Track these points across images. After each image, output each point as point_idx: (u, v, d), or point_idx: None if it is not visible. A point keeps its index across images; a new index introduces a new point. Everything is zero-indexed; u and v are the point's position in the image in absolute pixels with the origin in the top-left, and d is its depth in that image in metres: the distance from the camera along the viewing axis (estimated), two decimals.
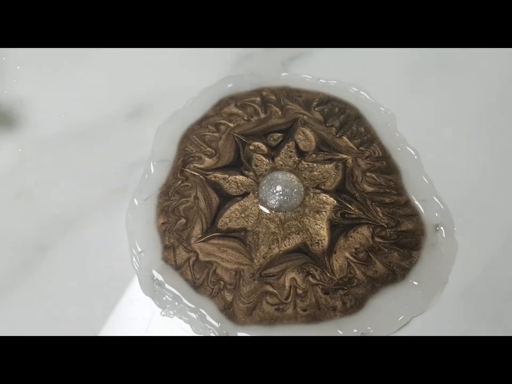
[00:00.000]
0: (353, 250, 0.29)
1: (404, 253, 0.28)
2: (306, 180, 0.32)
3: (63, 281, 0.29)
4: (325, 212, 0.30)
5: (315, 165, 0.32)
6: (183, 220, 0.30)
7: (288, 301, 0.27)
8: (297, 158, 0.32)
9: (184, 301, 0.27)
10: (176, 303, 0.27)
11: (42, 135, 0.35)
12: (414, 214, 0.30)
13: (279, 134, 0.34)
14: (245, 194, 0.31)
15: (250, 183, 0.32)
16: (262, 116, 0.35)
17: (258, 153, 0.33)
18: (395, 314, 0.26)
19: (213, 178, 0.32)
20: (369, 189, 0.31)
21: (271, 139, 0.34)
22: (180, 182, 0.32)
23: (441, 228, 0.29)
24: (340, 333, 0.26)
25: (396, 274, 0.28)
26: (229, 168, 0.32)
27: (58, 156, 0.34)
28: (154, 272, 0.28)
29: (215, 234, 0.29)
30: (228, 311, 0.27)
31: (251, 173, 0.32)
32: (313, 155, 0.33)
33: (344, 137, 0.33)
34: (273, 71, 0.37)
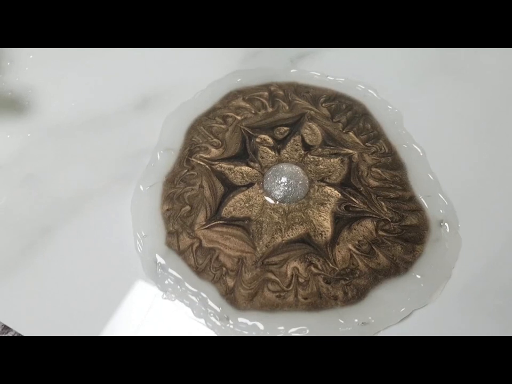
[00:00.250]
0: (357, 242, 0.30)
1: (407, 247, 0.29)
2: (312, 173, 0.33)
3: (67, 263, 0.30)
4: (329, 204, 0.31)
5: (321, 158, 0.33)
6: (187, 207, 0.31)
7: (290, 288, 0.28)
8: (303, 152, 0.34)
9: (186, 284, 0.28)
10: (178, 287, 0.28)
11: (51, 122, 0.37)
12: (418, 209, 0.31)
13: (285, 128, 0.35)
14: (250, 185, 0.32)
15: (256, 174, 0.33)
16: (270, 109, 0.36)
17: (265, 146, 0.34)
18: (397, 306, 0.27)
19: (218, 168, 0.33)
20: (375, 183, 0.32)
21: (278, 132, 0.35)
22: (186, 170, 0.33)
23: (446, 224, 0.30)
24: (341, 321, 0.26)
25: (398, 267, 0.29)
26: (234, 159, 0.34)
27: (67, 142, 0.36)
28: (158, 256, 0.29)
29: (219, 222, 0.31)
30: (229, 296, 0.28)
31: (257, 165, 0.33)
32: (319, 149, 0.34)
33: (351, 133, 0.35)
34: (282, 67, 0.39)
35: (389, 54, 0.40)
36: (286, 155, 0.34)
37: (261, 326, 0.26)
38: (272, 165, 0.33)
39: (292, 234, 0.30)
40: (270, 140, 0.35)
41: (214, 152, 0.34)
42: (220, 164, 0.33)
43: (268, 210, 0.31)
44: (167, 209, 0.31)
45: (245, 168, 0.33)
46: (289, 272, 0.29)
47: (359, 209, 0.31)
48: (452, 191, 0.32)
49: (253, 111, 0.36)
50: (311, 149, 0.34)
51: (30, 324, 0.28)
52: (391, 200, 0.31)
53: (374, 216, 0.31)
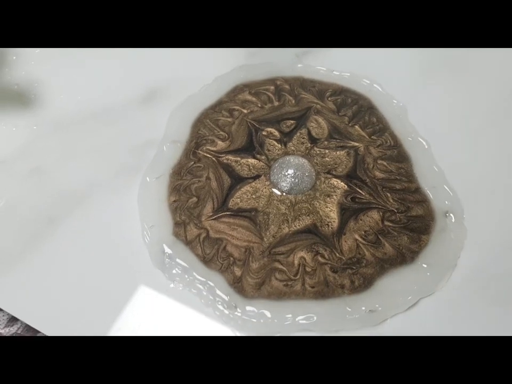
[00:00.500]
0: (363, 232, 0.31)
1: (413, 237, 0.30)
2: (318, 165, 0.34)
3: (74, 253, 0.31)
4: (336, 195, 0.32)
5: (327, 151, 0.35)
6: (194, 199, 0.32)
7: (297, 277, 0.29)
8: (309, 144, 0.35)
9: (194, 274, 0.29)
10: (186, 276, 0.29)
11: (57, 115, 0.38)
12: (424, 201, 0.32)
13: (292, 121, 0.36)
14: (257, 177, 0.33)
15: (262, 166, 0.34)
16: (276, 103, 0.37)
17: (271, 139, 0.35)
18: (403, 294, 0.28)
19: (225, 161, 0.34)
20: (380, 175, 0.33)
21: (284, 126, 0.36)
22: (192, 163, 0.34)
23: (451, 214, 0.31)
24: (348, 309, 0.27)
25: (405, 256, 0.30)
26: (241, 151, 0.35)
27: (73, 134, 0.37)
28: (165, 246, 0.30)
29: (226, 213, 0.32)
30: (237, 285, 0.29)
31: (263, 157, 0.34)
32: (325, 142, 0.35)
33: (357, 126, 0.36)
34: (287, 62, 0.40)
35: (394, 49, 0.41)
36: (293, 148, 0.35)
37: (268, 314, 0.27)
38: (279, 157, 0.34)
39: (299, 225, 0.31)
40: (276, 133, 0.36)
41: (221, 144, 0.35)
42: (227, 156, 0.34)
43: (274, 201, 0.32)
44: (174, 201, 0.32)
45: (252, 161, 0.34)
46: (296, 262, 0.30)
47: (365, 200, 0.32)
48: (456, 182, 0.33)
49: (259, 105, 0.37)
50: (317, 142, 0.35)
51: (37, 314, 0.29)
52: (397, 192, 0.33)
53: (380, 207, 0.32)
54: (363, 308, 0.28)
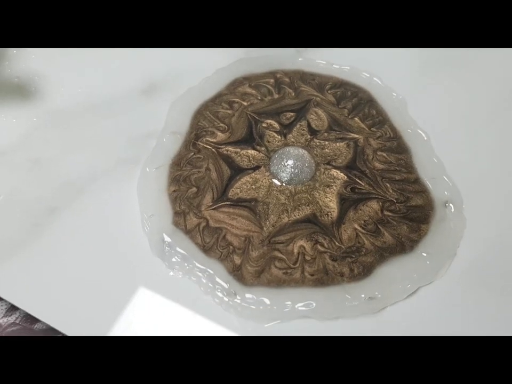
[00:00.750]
0: (362, 222, 0.31)
1: (412, 226, 0.31)
2: (318, 157, 0.34)
3: (73, 242, 0.32)
4: (335, 186, 0.33)
5: (326, 143, 0.35)
6: (194, 189, 0.33)
7: (296, 265, 0.29)
8: (309, 136, 0.36)
9: (194, 262, 0.29)
10: (185, 264, 0.29)
11: (57, 107, 0.39)
12: (423, 191, 0.33)
13: (291, 113, 0.37)
14: (256, 168, 0.34)
15: (262, 158, 0.34)
16: (276, 96, 0.38)
17: (271, 131, 0.36)
18: (403, 282, 0.29)
19: (225, 152, 0.35)
20: (380, 166, 0.34)
21: (284, 118, 0.37)
22: (192, 154, 0.35)
23: (450, 205, 0.32)
24: (348, 297, 0.28)
25: (404, 245, 0.30)
26: (241, 143, 0.35)
27: (73, 126, 0.38)
28: (165, 235, 0.31)
29: (225, 203, 0.32)
30: (236, 273, 0.29)
31: (263, 148, 0.35)
32: (325, 134, 0.36)
33: (356, 119, 0.37)
34: (287, 56, 0.41)
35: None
36: (292, 139, 0.36)
37: (267, 301, 0.28)
38: (279, 149, 0.35)
39: (298, 215, 0.32)
40: (276, 125, 0.36)
41: (220, 136, 0.36)
42: (226, 148, 0.35)
43: (274, 192, 0.33)
44: (174, 191, 0.33)
45: (251, 152, 0.35)
46: (295, 251, 0.30)
47: (365, 190, 0.33)
48: (456, 173, 0.33)
49: (259, 97, 0.38)
50: (317, 134, 0.36)
51: (37, 303, 0.30)
52: (396, 182, 0.33)
53: (379, 197, 0.32)
54: (362, 295, 0.28)
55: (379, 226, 0.31)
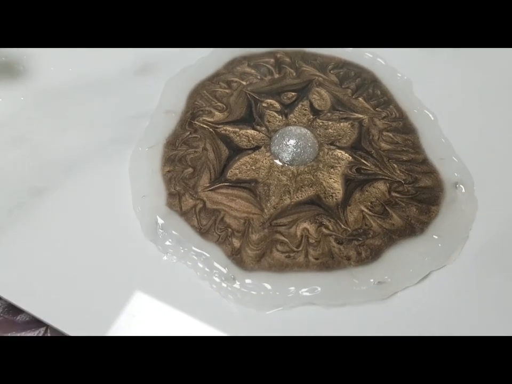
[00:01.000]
0: (369, 203, 0.29)
1: (422, 208, 0.29)
2: (321, 137, 0.32)
3: (59, 225, 0.29)
4: (340, 167, 0.31)
5: (330, 123, 0.33)
6: (190, 169, 0.31)
7: (300, 249, 0.27)
8: (311, 116, 0.33)
9: (189, 245, 0.27)
10: (180, 248, 0.27)
11: (47, 86, 0.36)
12: (432, 172, 0.31)
13: (293, 93, 0.35)
14: (256, 148, 0.32)
15: (262, 138, 0.32)
16: (276, 76, 0.36)
17: (272, 110, 0.34)
18: (414, 266, 0.26)
19: (222, 132, 0.32)
20: (386, 146, 0.32)
21: (285, 97, 0.34)
22: (188, 133, 0.32)
23: (461, 186, 0.30)
24: (355, 281, 0.25)
25: (414, 227, 0.28)
26: (240, 122, 0.33)
27: (62, 105, 0.35)
28: (158, 217, 0.28)
29: (223, 184, 0.30)
30: (235, 257, 0.27)
31: (263, 128, 0.33)
32: (328, 114, 0.34)
33: (360, 99, 0.34)
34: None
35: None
36: (294, 119, 0.33)
37: (268, 286, 0.26)
38: (280, 128, 0.32)
39: (301, 196, 0.29)
40: (277, 105, 0.34)
41: (218, 115, 0.33)
42: (225, 127, 0.33)
43: (275, 173, 0.31)
44: (168, 171, 0.31)
45: (251, 132, 0.33)
46: (298, 233, 0.28)
47: (371, 171, 0.30)
48: (466, 154, 0.31)
49: (259, 77, 0.36)
50: (319, 114, 0.34)
51: (20, 291, 0.27)
52: (404, 163, 0.31)
53: (386, 178, 0.30)
54: (371, 280, 0.26)
55: (387, 208, 0.29)
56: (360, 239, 0.28)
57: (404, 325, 0.25)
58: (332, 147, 0.32)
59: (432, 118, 0.33)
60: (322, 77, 0.36)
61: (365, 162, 0.31)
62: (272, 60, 0.37)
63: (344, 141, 0.32)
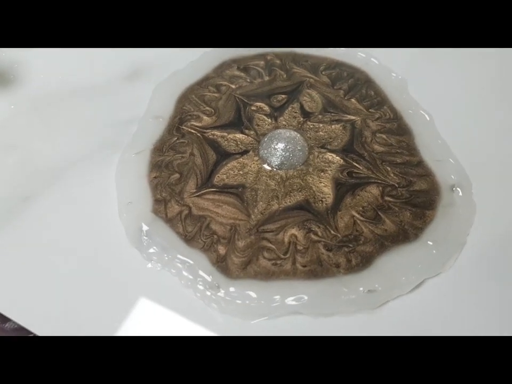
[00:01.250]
0: (361, 208, 0.27)
1: (416, 212, 0.27)
2: (311, 140, 0.31)
3: (47, 229, 0.28)
4: (330, 170, 0.29)
5: (321, 125, 0.32)
6: (176, 175, 0.30)
7: (287, 256, 0.26)
8: (302, 119, 0.32)
9: (174, 252, 0.26)
10: (165, 255, 0.26)
11: (37, 94, 0.36)
12: (427, 174, 0.29)
13: (283, 96, 0.34)
14: (245, 152, 0.31)
15: (251, 142, 0.31)
16: (266, 78, 0.35)
17: (261, 114, 0.33)
18: (406, 274, 0.25)
19: (210, 136, 0.31)
20: (380, 149, 0.30)
21: (275, 100, 0.33)
22: (176, 138, 0.31)
23: (458, 189, 0.28)
24: (345, 290, 0.24)
25: (407, 233, 0.26)
26: (228, 126, 0.32)
27: (51, 112, 0.34)
28: (143, 224, 0.27)
29: (210, 189, 0.29)
30: (220, 264, 0.26)
31: (252, 132, 0.31)
32: (319, 116, 0.32)
33: (353, 100, 0.33)
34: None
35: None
36: (284, 122, 0.32)
37: (254, 295, 0.24)
38: (269, 132, 0.31)
39: (290, 201, 0.28)
40: (266, 108, 0.33)
41: (206, 120, 0.32)
42: (212, 132, 0.32)
43: (263, 177, 0.29)
44: (155, 177, 0.30)
45: (239, 136, 0.31)
46: (286, 240, 0.26)
47: (363, 175, 0.29)
48: (462, 155, 0.30)
49: (248, 80, 0.35)
50: (310, 116, 0.32)
51: (6, 299, 0.26)
52: (398, 165, 0.30)
53: (379, 181, 0.29)
54: (361, 288, 0.24)
55: (379, 213, 0.27)
56: (351, 245, 0.26)
57: (395, 335, 0.24)
58: (323, 150, 0.30)
59: (428, 119, 0.32)
60: (314, 79, 0.35)
61: (356, 165, 0.30)
62: (262, 62, 0.36)
63: (336, 144, 0.31)
